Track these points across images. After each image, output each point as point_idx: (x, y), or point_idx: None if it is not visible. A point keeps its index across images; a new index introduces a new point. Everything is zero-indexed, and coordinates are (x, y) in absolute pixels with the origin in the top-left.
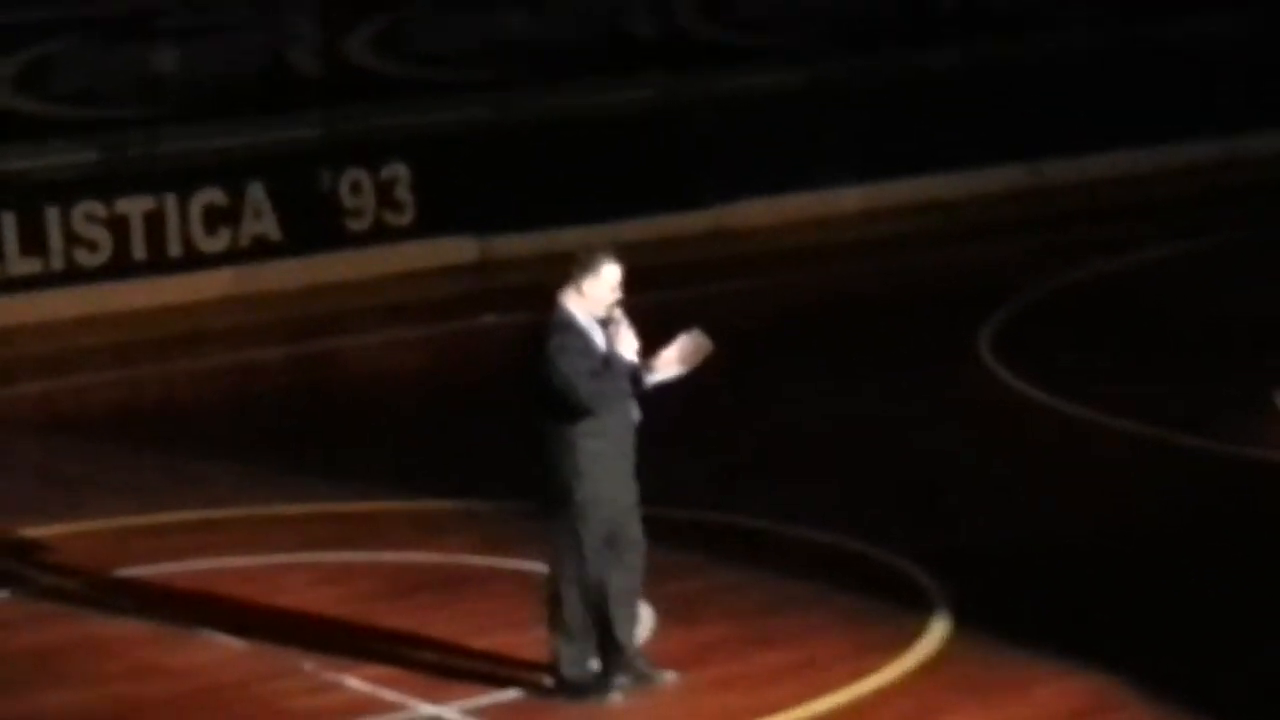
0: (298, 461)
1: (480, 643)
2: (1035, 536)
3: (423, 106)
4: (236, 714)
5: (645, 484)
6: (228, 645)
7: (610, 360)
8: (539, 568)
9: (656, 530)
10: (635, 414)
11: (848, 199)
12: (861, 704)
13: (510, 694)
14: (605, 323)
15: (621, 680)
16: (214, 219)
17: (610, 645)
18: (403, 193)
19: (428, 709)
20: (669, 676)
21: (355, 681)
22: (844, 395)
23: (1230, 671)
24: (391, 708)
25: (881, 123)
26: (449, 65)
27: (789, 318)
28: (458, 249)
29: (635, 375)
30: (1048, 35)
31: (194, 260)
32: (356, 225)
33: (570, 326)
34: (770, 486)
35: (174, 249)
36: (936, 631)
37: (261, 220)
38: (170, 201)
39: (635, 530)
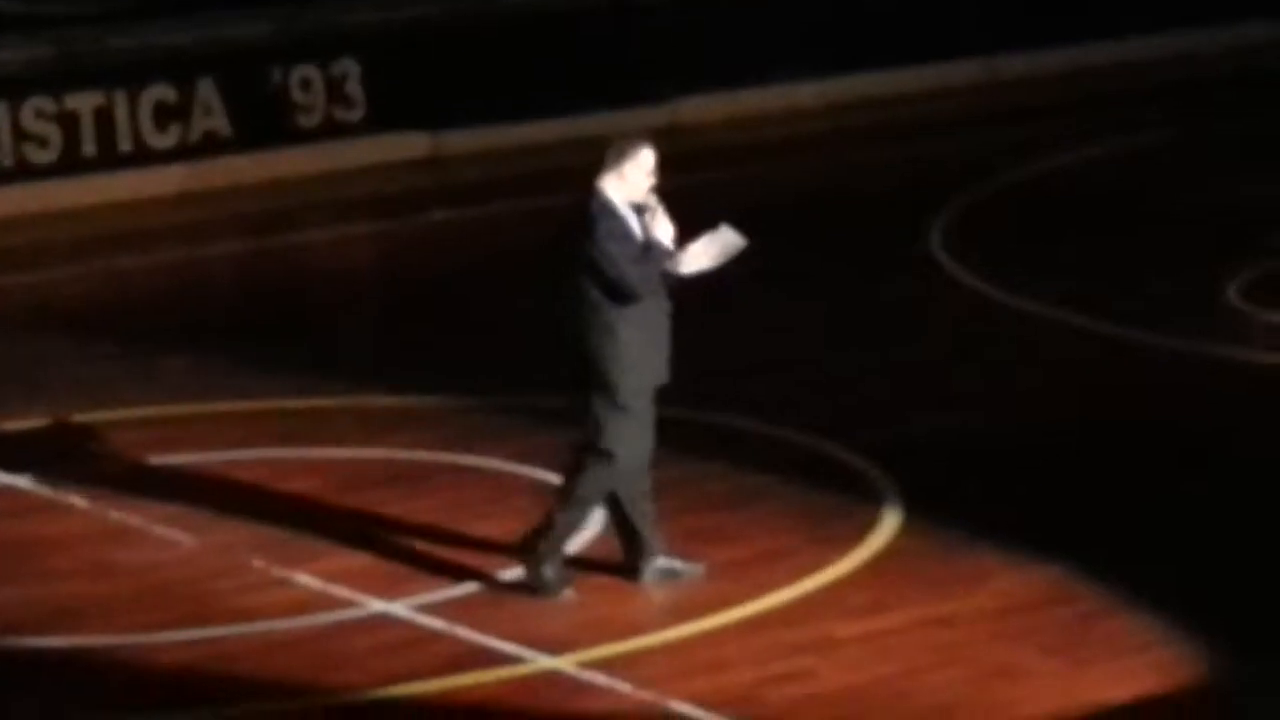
0: (249, 358)
1: (430, 539)
2: (987, 432)
3: (373, 2)
4: (183, 611)
5: None
6: (177, 541)
7: (650, 246)
8: (489, 463)
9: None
10: (668, 303)
11: (803, 94)
12: (815, 598)
13: (462, 589)
14: (641, 209)
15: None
16: (164, 115)
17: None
18: (353, 88)
19: (379, 604)
20: (696, 568)
21: (305, 577)
22: (797, 293)
23: (1178, 563)
24: (342, 604)
25: (837, 17)
26: None
27: (744, 214)
28: (409, 144)
29: (669, 263)
30: None
31: (144, 156)
32: (307, 121)
33: (612, 212)
34: (725, 384)
35: (124, 145)
36: (889, 525)
37: (212, 116)
38: (120, 98)
39: (651, 430)
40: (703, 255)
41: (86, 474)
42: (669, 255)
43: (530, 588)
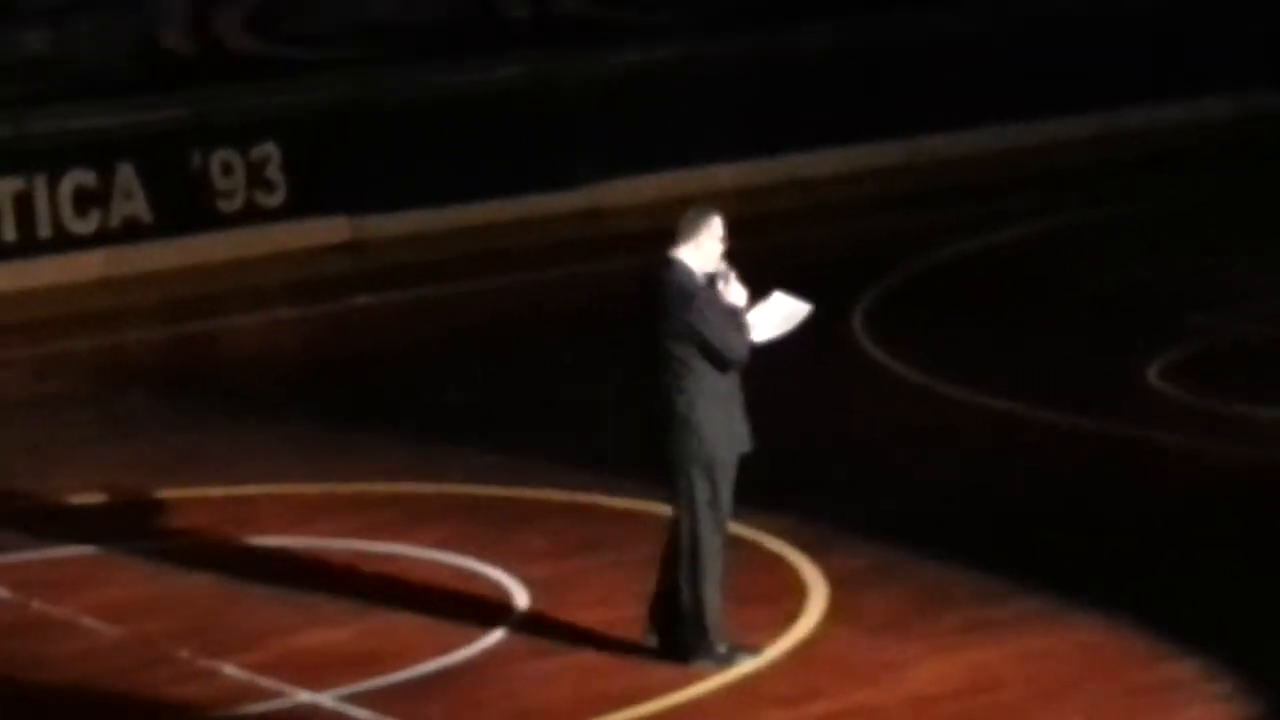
0: (170, 445)
1: (356, 627)
2: (908, 516)
3: (293, 86)
4: (108, 706)
5: (520, 465)
6: (101, 633)
7: (736, 312)
8: (412, 551)
9: (530, 510)
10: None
11: (722, 176)
12: (739, 687)
13: (389, 679)
14: (713, 277)
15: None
16: (84, 200)
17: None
18: (274, 173)
19: (305, 695)
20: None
21: (231, 669)
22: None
23: (1110, 649)
24: (268, 695)
25: (755, 100)
26: (318, 44)
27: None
28: (330, 229)
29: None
30: (918, 13)
31: (64, 242)
32: (228, 206)
33: (699, 282)
34: (643, 468)
35: (44, 231)
36: (813, 613)
37: (132, 201)
38: (40, 182)
39: (729, 491)
40: (771, 325)
41: (8, 564)
42: (746, 323)
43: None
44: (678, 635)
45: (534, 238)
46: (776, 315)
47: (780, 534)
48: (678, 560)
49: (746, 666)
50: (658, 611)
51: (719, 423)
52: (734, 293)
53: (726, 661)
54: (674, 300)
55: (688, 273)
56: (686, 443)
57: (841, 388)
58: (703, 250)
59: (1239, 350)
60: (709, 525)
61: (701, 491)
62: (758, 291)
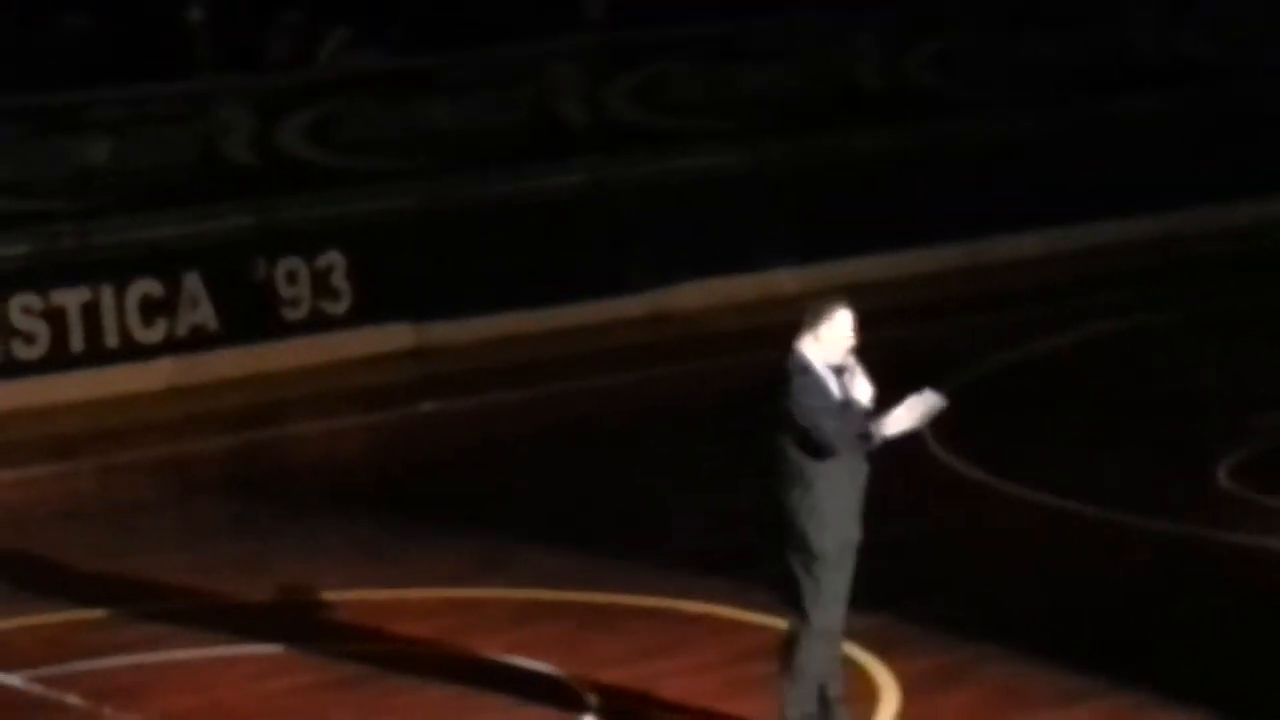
0: (240, 553)
1: None
2: (978, 618)
3: (356, 195)
4: None
5: (591, 570)
6: None
7: (848, 404)
8: (486, 656)
9: (602, 615)
10: (865, 463)
11: (784, 281)
12: None
13: None
14: (840, 370)
15: None
16: (150, 309)
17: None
18: (338, 281)
19: None
20: None
21: None
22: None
23: None
24: None
25: (816, 204)
26: (381, 154)
27: (728, 401)
28: (394, 336)
29: (868, 424)
30: (975, 117)
31: (131, 351)
32: (293, 314)
33: (809, 370)
34: (715, 571)
35: (111, 340)
36: (886, 715)
37: (198, 310)
38: (106, 293)
39: (837, 582)
40: (905, 418)
41: (79, 671)
42: (868, 415)
43: None
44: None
45: (594, 343)
46: (917, 410)
47: (851, 636)
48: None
49: None
50: None
51: (830, 512)
52: (859, 386)
53: None
54: (778, 386)
55: (800, 362)
56: (796, 530)
57: (910, 490)
58: (822, 342)
59: None
60: (818, 614)
61: (812, 579)
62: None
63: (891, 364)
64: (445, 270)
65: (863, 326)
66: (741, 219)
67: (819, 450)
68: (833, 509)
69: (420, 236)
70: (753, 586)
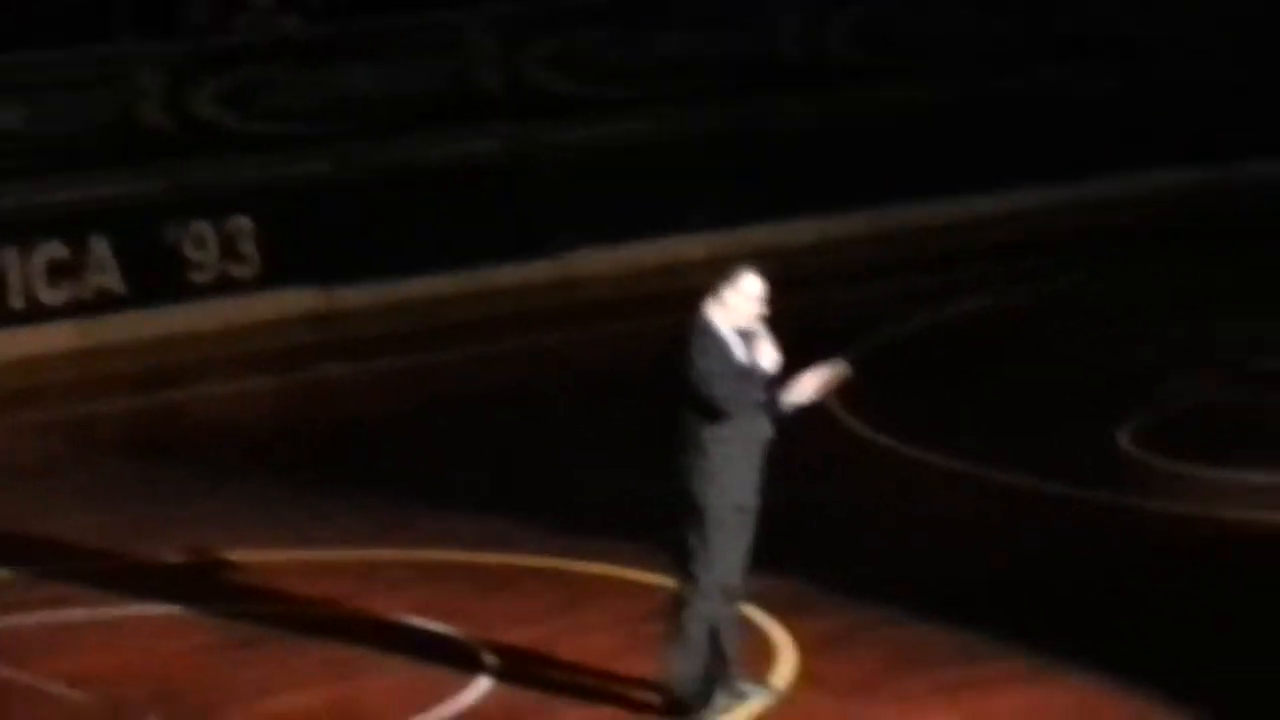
0: (143, 514)
1: (327, 691)
2: (876, 580)
3: (265, 160)
4: None
5: (491, 532)
6: (69, 700)
7: (750, 369)
8: (386, 617)
9: (501, 576)
10: (768, 429)
11: (696, 247)
12: None
13: None
14: (746, 336)
15: (723, 698)
16: (57, 272)
17: (719, 661)
18: (246, 245)
19: None
20: (766, 691)
21: None
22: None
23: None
24: None
25: (729, 171)
26: (297, 120)
27: (638, 366)
28: (301, 300)
29: (772, 390)
30: (884, 87)
31: (37, 313)
32: (200, 277)
33: (710, 332)
34: (620, 533)
35: (16, 302)
36: (781, 676)
37: (105, 273)
38: (11, 255)
39: (746, 555)
40: (809, 387)
41: None
42: (770, 381)
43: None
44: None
45: (506, 308)
46: (819, 378)
47: (752, 599)
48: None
49: None
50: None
51: (725, 473)
52: (764, 352)
53: (684, 710)
54: (681, 350)
55: (702, 325)
56: (688, 490)
57: (812, 454)
58: (729, 307)
59: (1209, 414)
60: (705, 573)
61: (701, 541)
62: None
63: (803, 330)
64: (354, 235)
65: (774, 293)
66: (655, 185)
67: (713, 413)
68: (727, 473)
69: (330, 201)
70: (656, 549)
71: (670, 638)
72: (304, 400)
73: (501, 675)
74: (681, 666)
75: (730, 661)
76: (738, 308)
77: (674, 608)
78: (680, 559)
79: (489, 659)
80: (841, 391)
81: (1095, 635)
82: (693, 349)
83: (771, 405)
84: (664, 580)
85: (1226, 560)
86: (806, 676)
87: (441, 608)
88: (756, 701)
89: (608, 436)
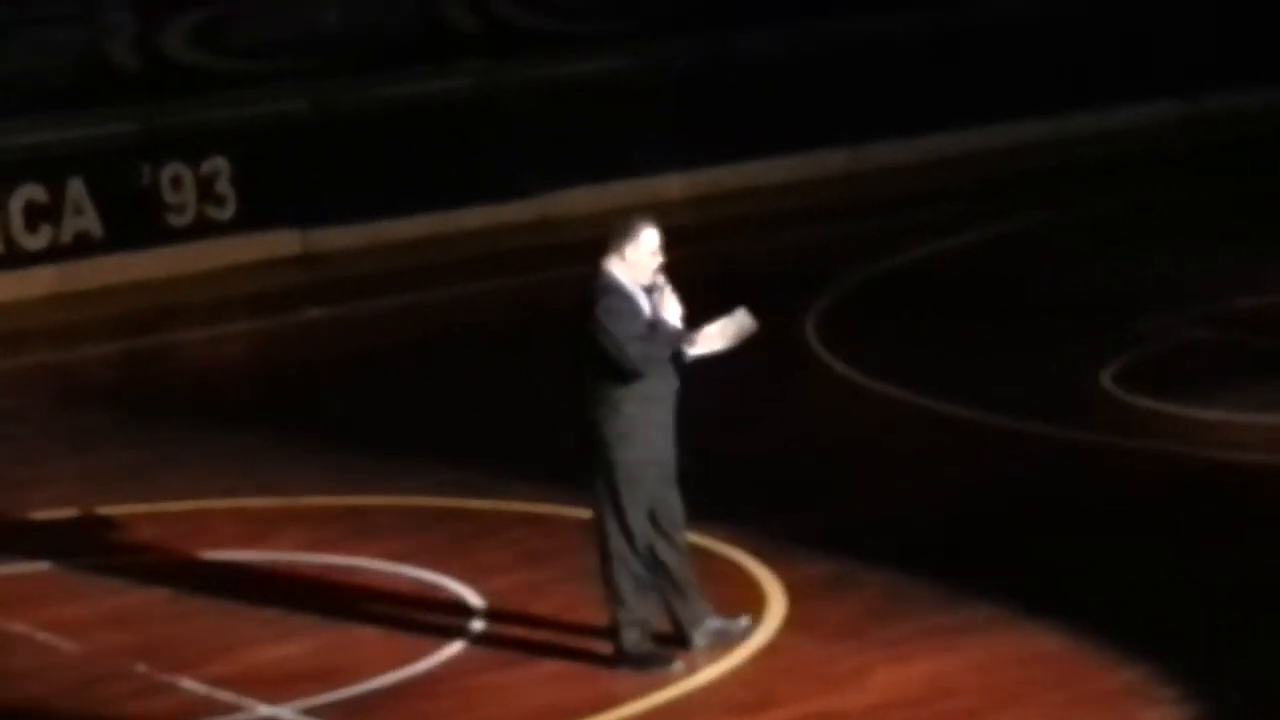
0: (125, 460)
1: (314, 640)
2: (865, 523)
3: (242, 100)
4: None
5: (476, 477)
6: (57, 649)
7: (656, 325)
8: (367, 563)
9: (488, 522)
10: (675, 381)
11: (671, 185)
12: (698, 695)
13: (347, 691)
14: (650, 289)
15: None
16: (34, 216)
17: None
18: (224, 187)
19: (264, 709)
20: (744, 623)
21: (189, 683)
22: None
23: (1066, 655)
24: (227, 709)
25: (703, 109)
26: (267, 58)
27: None
28: (280, 242)
29: (678, 343)
30: (862, 20)
31: (15, 258)
32: (178, 220)
33: (616, 290)
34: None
35: None
36: (772, 621)
37: (83, 216)
38: None
39: (675, 503)
40: (716, 337)
41: None
42: (677, 335)
43: (640, 662)
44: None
45: (483, 248)
46: (730, 329)
47: (738, 543)
48: (601, 564)
49: (706, 674)
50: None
51: (638, 430)
52: (668, 305)
53: (643, 667)
54: (586, 309)
55: (606, 283)
56: (603, 449)
57: (796, 395)
58: (629, 262)
59: (1191, 353)
60: (623, 531)
61: (613, 499)
62: (711, 303)
63: (776, 268)
64: (332, 175)
65: (748, 231)
66: (630, 124)
67: (626, 375)
68: (642, 430)
69: (307, 142)
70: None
71: (607, 596)
72: (283, 343)
73: (485, 623)
74: (628, 629)
75: (693, 605)
76: (639, 263)
77: (601, 565)
78: (598, 518)
79: (473, 606)
80: (818, 331)
81: (1081, 577)
82: (599, 310)
83: (678, 358)
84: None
85: (1205, 500)
86: (793, 621)
87: (425, 555)
88: (739, 635)
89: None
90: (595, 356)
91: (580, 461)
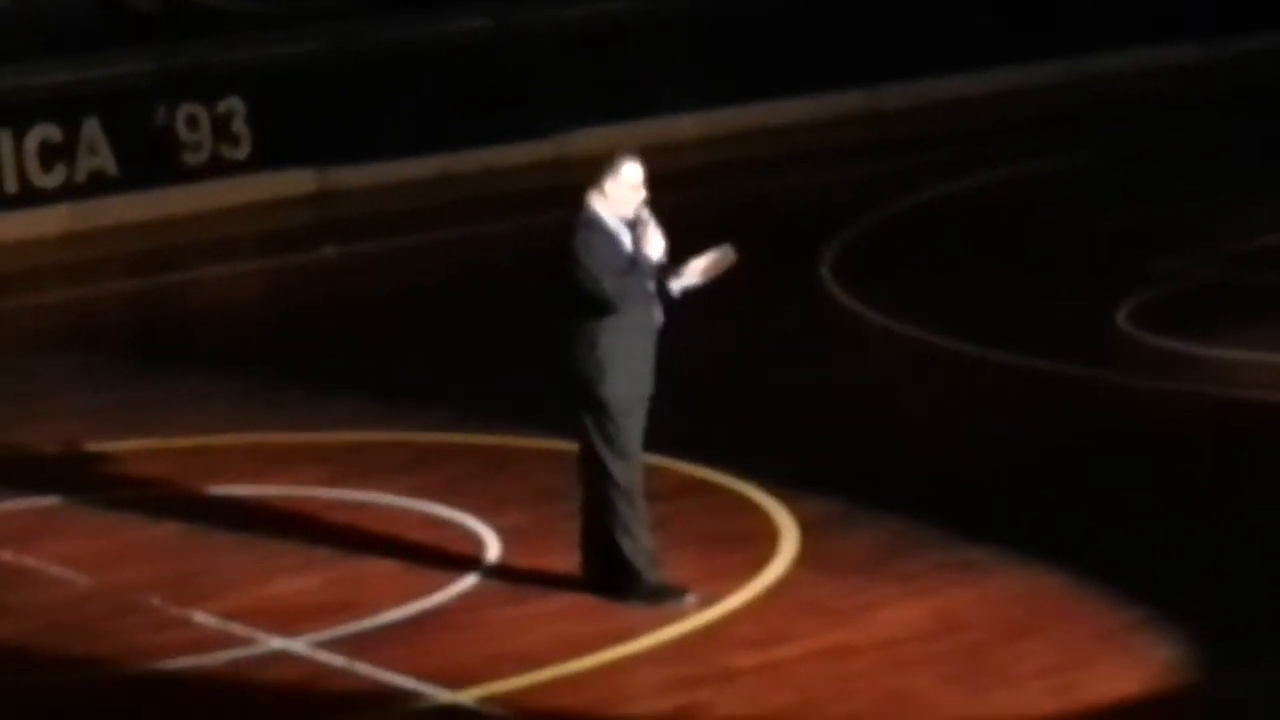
0: (141, 395)
1: (327, 574)
2: (879, 461)
3: (257, 40)
4: (79, 654)
5: (490, 413)
6: (71, 582)
7: (636, 259)
8: (381, 499)
9: (501, 457)
10: (658, 316)
11: (685, 126)
12: (710, 630)
13: (361, 625)
14: (633, 224)
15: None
16: (50, 155)
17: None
18: (239, 126)
19: (278, 642)
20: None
21: (203, 616)
22: (686, 322)
23: (1074, 592)
24: (240, 641)
25: (720, 48)
26: None
27: None
28: (295, 181)
29: (661, 277)
30: None
31: (30, 197)
32: (193, 159)
33: (595, 224)
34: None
35: (9, 185)
36: (784, 557)
37: (98, 155)
38: (5, 138)
39: (636, 432)
40: (697, 273)
41: None
42: (655, 269)
43: (652, 603)
44: (606, 575)
45: (500, 188)
46: (708, 264)
47: (752, 479)
48: (594, 503)
49: (718, 608)
50: (586, 552)
51: (619, 365)
52: (651, 240)
53: (656, 600)
54: (563, 244)
55: (586, 217)
56: (585, 385)
57: (812, 335)
58: (611, 198)
59: (1208, 292)
60: (617, 466)
61: (604, 433)
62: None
63: (792, 208)
64: (348, 115)
65: (764, 171)
66: (645, 63)
67: (601, 308)
68: (622, 364)
69: (323, 81)
70: (649, 428)
71: (612, 532)
72: (298, 282)
73: (498, 558)
74: (636, 555)
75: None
76: (620, 197)
77: (594, 508)
78: (588, 456)
79: (486, 541)
80: (835, 270)
81: (1092, 516)
82: (575, 243)
83: (661, 292)
84: (664, 460)
85: (1222, 439)
86: (806, 557)
87: (438, 490)
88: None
89: None
90: (570, 291)
91: (562, 398)
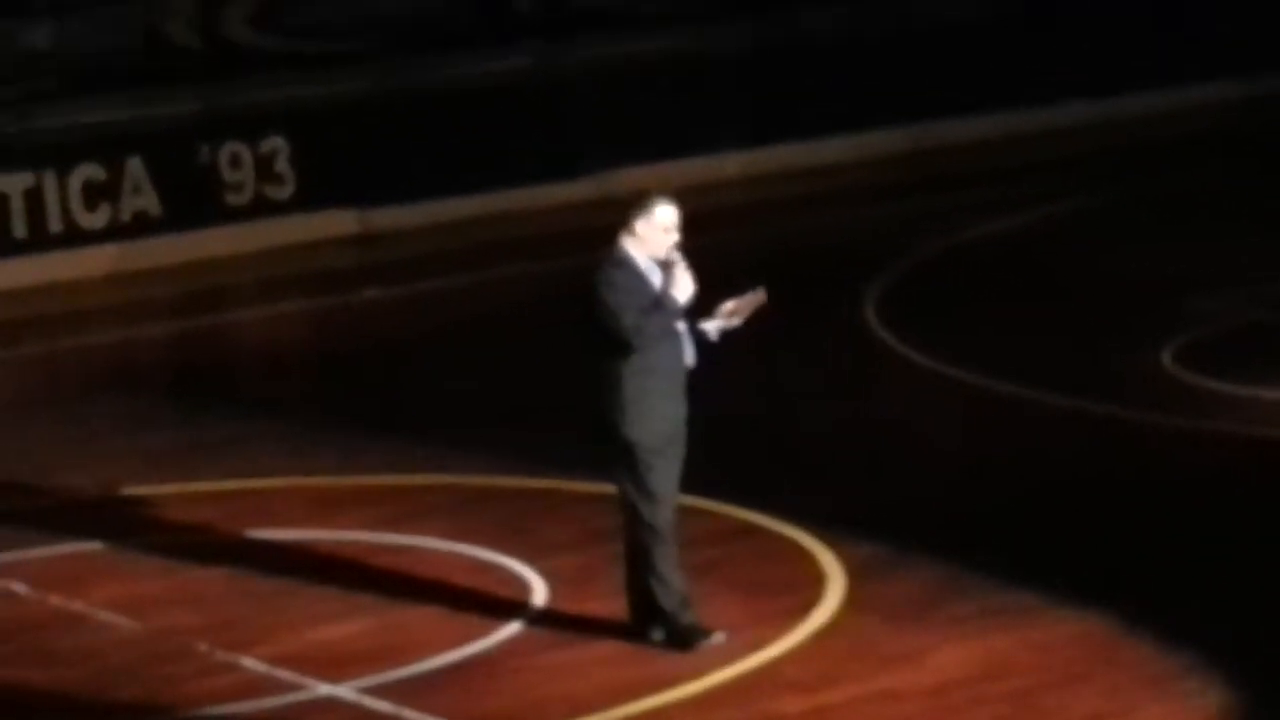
0: (184, 438)
1: (373, 620)
2: (924, 502)
3: (301, 79)
4: (127, 699)
5: (535, 456)
6: (119, 627)
7: (662, 300)
8: (426, 542)
9: (547, 501)
10: (689, 357)
11: (730, 164)
12: (757, 675)
13: (407, 671)
14: (664, 265)
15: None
16: (94, 195)
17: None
18: (282, 166)
19: (324, 688)
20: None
21: (250, 662)
22: (729, 363)
23: (1122, 636)
24: (287, 688)
25: (763, 88)
26: (326, 38)
27: None
28: (338, 222)
29: (691, 319)
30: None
31: (74, 237)
32: (236, 199)
33: (623, 264)
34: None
35: (55, 226)
36: (831, 600)
37: (142, 195)
38: (49, 178)
39: (670, 474)
40: (728, 314)
41: (24, 560)
42: (680, 311)
43: (681, 645)
44: (644, 618)
45: (542, 227)
46: (736, 307)
47: (798, 522)
48: (630, 546)
49: (765, 653)
50: (630, 595)
51: (645, 406)
52: (680, 283)
53: (684, 643)
54: (588, 282)
55: (615, 257)
56: (612, 426)
57: (856, 374)
58: (639, 236)
59: (1250, 333)
60: (646, 507)
61: (635, 479)
62: (767, 282)
63: (835, 247)
64: (390, 155)
65: (807, 210)
66: (688, 102)
67: (620, 347)
68: (648, 404)
69: (365, 121)
70: (693, 471)
71: (648, 578)
72: (341, 323)
73: (543, 603)
74: (667, 602)
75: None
76: (652, 238)
77: (631, 551)
78: (624, 502)
79: (536, 587)
80: (878, 309)
81: (1139, 559)
82: (598, 281)
83: (693, 332)
84: (708, 503)
85: (1264, 480)
86: (853, 601)
87: (483, 534)
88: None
89: None
90: (594, 330)
91: (597, 443)
